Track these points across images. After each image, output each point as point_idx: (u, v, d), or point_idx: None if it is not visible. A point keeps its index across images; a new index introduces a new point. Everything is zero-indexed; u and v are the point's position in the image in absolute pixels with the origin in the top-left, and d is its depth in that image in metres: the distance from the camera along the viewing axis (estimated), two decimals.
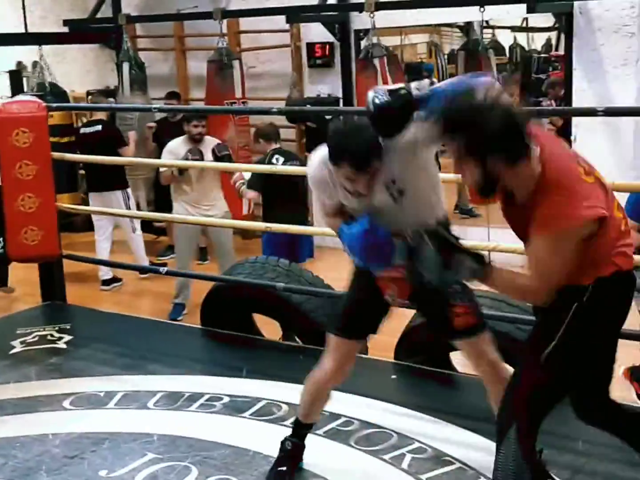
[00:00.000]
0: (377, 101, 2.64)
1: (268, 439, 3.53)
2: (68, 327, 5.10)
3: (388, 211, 2.82)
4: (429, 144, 2.73)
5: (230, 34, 8.55)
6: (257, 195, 5.91)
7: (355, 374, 3.94)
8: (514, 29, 13.05)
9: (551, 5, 7.04)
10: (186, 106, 8.76)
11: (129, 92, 8.59)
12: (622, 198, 3.02)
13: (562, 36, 11.02)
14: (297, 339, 4.84)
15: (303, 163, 5.89)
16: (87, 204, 7.61)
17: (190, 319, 6.11)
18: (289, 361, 4.43)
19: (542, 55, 12.72)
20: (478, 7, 6.84)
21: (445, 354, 4.31)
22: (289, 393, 3.98)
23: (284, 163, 5.79)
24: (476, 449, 3.39)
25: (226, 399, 3.99)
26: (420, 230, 2.60)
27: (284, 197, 5.77)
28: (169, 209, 6.60)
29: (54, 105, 5.67)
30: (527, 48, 13.59)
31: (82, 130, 7.47)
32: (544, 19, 11.97)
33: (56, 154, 5.34)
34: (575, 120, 6.90)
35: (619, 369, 4.63)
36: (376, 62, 7.02)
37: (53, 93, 8.01)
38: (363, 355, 4.50)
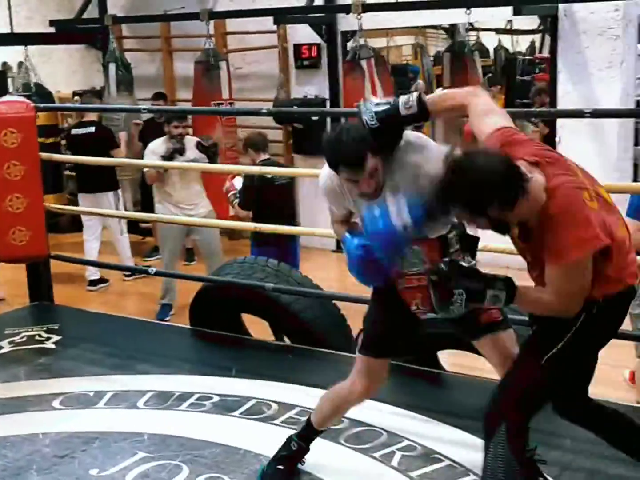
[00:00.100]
0: (365, 119, 2.68)
1: (258, 438, 3.57)
2: (56, 327, 5.10)
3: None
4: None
5: (217, 35, 8.55)
6: (247, 214, 5.92)
7: (344, 373, 3.97)
8: (498, 31, 13.13)
9: (536, 8, 7.10)
10: (175, 107, 8.76)
11: (115, 92, 8.59)
12: (619, 199, 3.06)
13: (547, 38, 11.13)
14: (286, 339, 4.86)
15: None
16: (73, 205, 7.61)
17: (177, 319, 6.12)
18: (278, 360, 4.46)
19: (527, 57, 12.81)
20: (464, 9, 6.88)
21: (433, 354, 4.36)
22: (279, 392, 4.02)
23: (273, 176, 5.78)
24: (465, 447, 3.42)
25: (216, 398, 4.00)
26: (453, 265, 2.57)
27: (275, 213, 5.78)
28: (155, 210, 6.61)
29: (42, 105, 5.67)
30: (511, 50, 13.68)
31: (74, 132, 7.44)
32: (528, 22, 12.05)
33: (44, 155, 5.35)
34: (560, 122, 6.96)
35: (624, 372, 4.70)
36: (364, 63, 7.05)
37: (38, 94, 8.01)
38: (352, 355, 4.53)
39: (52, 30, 9.18)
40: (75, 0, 9.69)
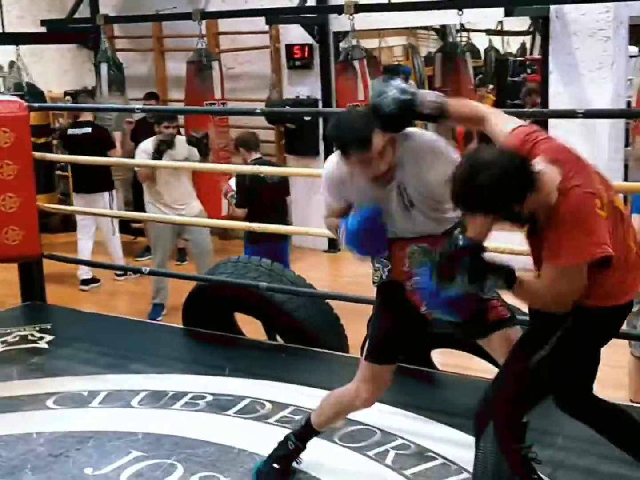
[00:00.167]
0: (383, 101, 2.63)
1: (252, 437, 3.57)
2: (49, 327, 5.09)
3: (399, 218, 2.81)
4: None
5: (209, 35, 8.56)
6: (244, 212, 5.95)
7: (337, 372, 3.99)
8: (488, 32, 13.17)
9: (528, 9, 7.13)
10: (169, 107, 8.76)
11: (107, 92, 8.59)
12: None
13: (537, 40, 11.17)
14: (279, 338, 4.87)
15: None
16: (65, 205, 7.60)
17: (169, 319, 6.12)
18: (272, 360, 4.46)
19: (518, 58, 12.85)
20: (456, 10, 6.90)
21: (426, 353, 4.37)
22: (273, 391, 4.02)
23: (265, 175, 5.79)
24: (458, 445, 3.43)
25: (210, 398, 4.00)
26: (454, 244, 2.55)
27: (267, 211, 5.80)
28: (146, 210, 6.61)
29: (36, 105, 5.66)
30: (502, 51, 13.72)
31: (70, 132, 7.44)
32: (519, 23, 12.10)
33: (37, 154, 5.34)
34: (551, 122, 6.99)
35: None
36: (356, 64, 7.08)
37: (30, 93, 8.00)
38: (345, 354, 4.56)
39: (43, 29, 9.17)
40: None
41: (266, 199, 5.83)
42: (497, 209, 2.41)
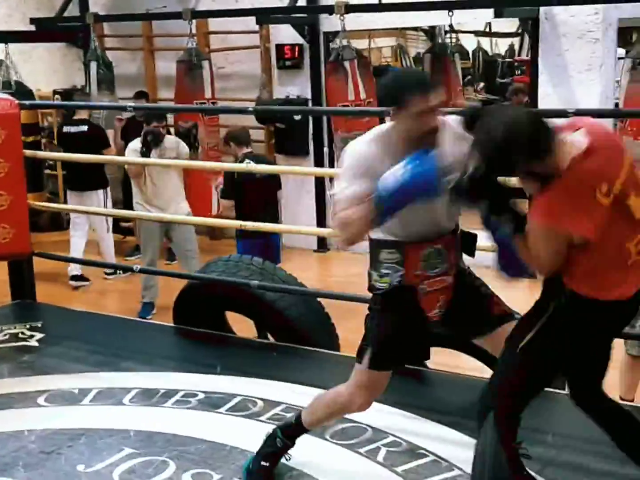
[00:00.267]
0: None
1: (244, 434, 3.57)
2: (39, 325, 5.07)
3: (425, 207, 2.72)
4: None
5: (199, 35, 8.56)
6: (231, 203, 5.96)
7: (328, 371, 4.01)
8: (477, 33, 13.23)
9: (518, 11, 7.17)
10: (161, 105, 8.75)
11: (96, 91, 8.57)
12: None
13: (526, 41, 11.23)
14: (270, 337, 4.88)
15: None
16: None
17: (158, 318, 6.12)
18: (263, 358, 4.47)
19: (506, 59, 12.92)
20: (447, 11, 6.94)
21: None
22: (264, 389, 4.03)
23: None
24: (449, 442, 3.46)
25: (201, 396, 4.01)
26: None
27: (256, 205, 5.81)
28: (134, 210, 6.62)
29: (27, 103, 5.65)
30: (490, 53, 13.78)
31: (66, 129, 7.44)
32: (507, 25, 12.17)
33: (28, 152, 5.34)
34: None
35: None
36: (346, 64, 7.09)
37: (19, 92, 7.96)
38: (336, 353, 4.57)
39: (32, 28, 9.15)
40: None
41: (256, 193, 5.83)
42: (518, 165, 2.46)
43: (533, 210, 2.52)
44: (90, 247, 7.64)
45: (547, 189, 2.47)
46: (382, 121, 8.15)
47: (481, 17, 7.94)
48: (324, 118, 8.23)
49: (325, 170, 8.15)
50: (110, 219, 7.53)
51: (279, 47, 8.49)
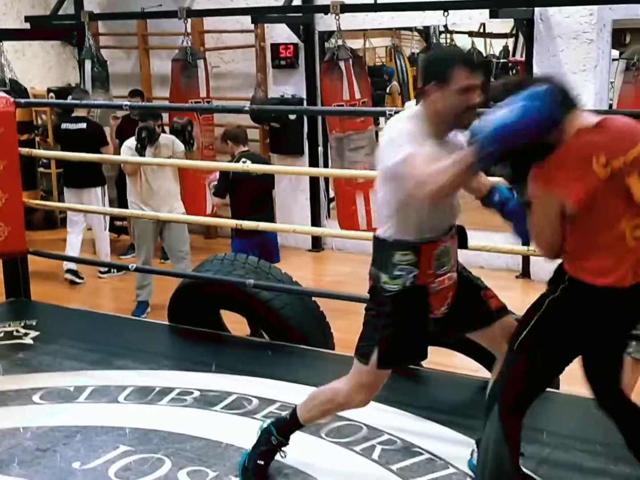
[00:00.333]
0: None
1: (240, 432, 3.58)
2: (34, 323, 5.07)
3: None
4: None
5: (194, 34, 8.56)
6: (221, 202, 5.97)
7: (323, 369, 4.03)
8: (471, 34, 13.24)
9: (513, 11, 7.19)
10: (158, 104, 8.75)
11: (91, 89, 8.56)
12: None
13: (520, 42, 11.25)
14: (265, 335, 4.89)
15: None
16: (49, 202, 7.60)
17: (152, 317, 6.12)
18: (258, 357, 4.47)
19: (501, 60, 12.93)
20: (442, 11, 6.95)
21: None
22: (259, 388, 4.04)
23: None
24: (444, 441, 3.48)
25: (197, 394, 4.01)
26: None
27: (252, 204, 5.82)
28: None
29: (23, 101, 5.65)
30: (484, 53, 13.79)
31: (65, 126, 7.43)
32: (502, 25, 12.17)
33: (23, 150, 5.33)
34: None
35: None
36: (342, 64, 7.10)
37: (13, 90, 7.96)
38: (330, 351, 4.58)
39: (27, 26, 9.15)
40: None
41: (251, 191, 5.85)
42: None
43: (531, 176, 2.53)
44: (85, 246, 7.65)
45: (548, 157, 2.49)
46: (376, 121, 8.26)
47: (476, 17, 7.95)
48: (319, 118, 8.25)
49: (320, 170, 8.18)
50: (107, 217, 7.54)
51: (274, 47, 8.51)
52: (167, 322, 5.03)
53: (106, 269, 7.69)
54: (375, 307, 2.90)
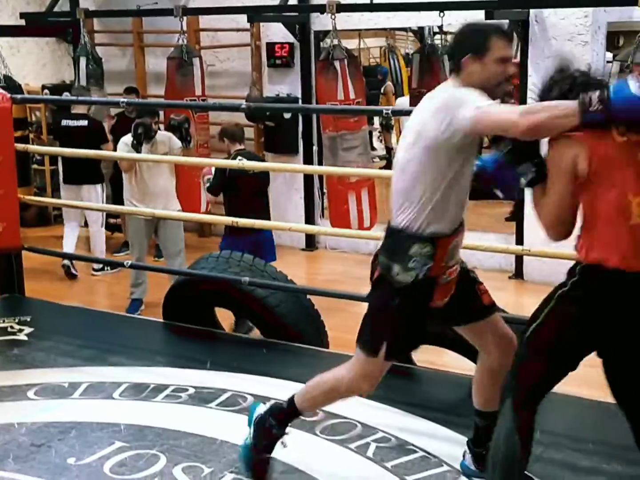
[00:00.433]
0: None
1: (234, 428, 3.58)
2: (28, 319, 5.07)
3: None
4: None
5: (189, 32, 8.55)
6: (215, 199, 5.98)
7: (317, 367, 4.02)
8: None
9: (508, 13, 7.20)
10: (154, 101, 8.74)
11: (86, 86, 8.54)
12: None
13: (515, 43, 11.26)
14: (259, 333, 4.90)
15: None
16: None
17: (147, 315, 6.12)
18: (253, 354, 4.49)
19: None
20: (438, 12, 6.97)
21: None
22: (254, 385, 4.05)
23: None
24: (438, 438, 3.50)
25: (191, 390, 4.03)
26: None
27: (247, 202, 5.83)
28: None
29: (19, 97, 5.64)
30: None
31: (65, 123, 7.43)
32: None
33: (19, 146, 5.34)
34: None
35: None
36: (337, 63, 7.11)
37: (8, 86, 7.95)
38: (324, 350, 4.60)
39: (22, 22, 9.12)
40: None
41: (247, 189, 5.86)
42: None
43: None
44: (79, 243, 7.64)
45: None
46: (370, 121, 8.21)
47: (472, 18, 7.95)
48: (314, 117, 8.25)
49: (314, 168, 8.19)
50: (104, 214, 7.55)
51: (270, 46, 8.51)
52: (161, 320, 5.04)
53: (100, 266, 7.69)
54: (382, 299, 2.88)
